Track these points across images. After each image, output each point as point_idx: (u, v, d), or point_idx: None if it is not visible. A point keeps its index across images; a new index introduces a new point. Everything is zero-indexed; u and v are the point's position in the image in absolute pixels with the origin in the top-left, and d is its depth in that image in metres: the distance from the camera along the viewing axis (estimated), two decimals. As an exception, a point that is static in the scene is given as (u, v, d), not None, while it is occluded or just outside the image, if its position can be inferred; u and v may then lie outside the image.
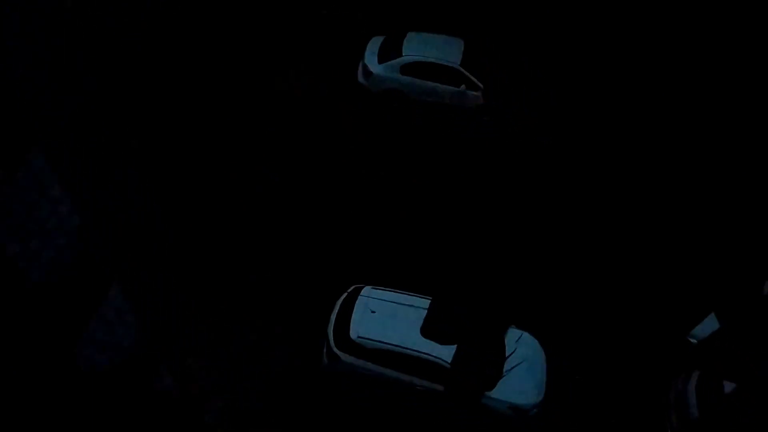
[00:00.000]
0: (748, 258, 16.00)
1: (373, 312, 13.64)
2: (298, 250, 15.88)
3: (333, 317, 13.94)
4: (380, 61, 17.95)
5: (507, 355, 13.80)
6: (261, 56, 19.32)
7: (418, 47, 17.83)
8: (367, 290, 14.10)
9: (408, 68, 17.71)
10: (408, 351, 13.21)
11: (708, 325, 14.25)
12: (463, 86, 17.71)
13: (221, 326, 14.66)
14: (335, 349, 13.55)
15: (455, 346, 13.35)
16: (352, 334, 13.43)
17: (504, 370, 13.57)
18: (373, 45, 18.49)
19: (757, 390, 12.82)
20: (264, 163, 17.17)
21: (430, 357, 13.18)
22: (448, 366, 13.16)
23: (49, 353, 13.51)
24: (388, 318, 13.56)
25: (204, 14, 19.93)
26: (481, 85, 17.73)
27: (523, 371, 13.60)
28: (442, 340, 13.29)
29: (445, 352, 13.24)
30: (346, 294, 14.27)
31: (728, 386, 13.02)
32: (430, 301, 13.90)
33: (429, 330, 13.40)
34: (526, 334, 14.15)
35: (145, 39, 19.13)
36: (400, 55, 17.71)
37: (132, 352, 13.81)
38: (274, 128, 17.85)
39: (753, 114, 18.48)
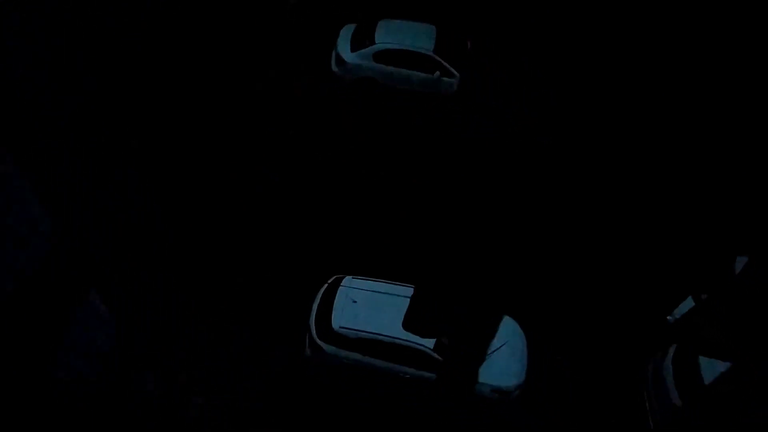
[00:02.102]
0: (720, 239, 16.09)
1: (354, 302, 13.62)
2: (298, 249, 15.88)
3: (314, 308, 13.91)
4: (353, 49, 17.79)
5: None
6: (260, 56, 19.31)
7: (390, 35, 17.66)
8: (347, 280, 14.06)
9: (381, 56, 17.56)
10: (391, 339, 13.20)
11: (685, 304, 14.33)
12: (437, 73, 17.59)
13: (221, 326, 14.66)
14: (318, 340, 13.54)
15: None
16: (334, 325, 13.42)
17: (485, 353, 13.59)
18: (346, 33, 18.31)
19: (738, 366, 12.89)
20: (264, 163, 17.17)
21: (413, 345, 13.16)
22: (432, 353, 13.13)
23: (28, 363, 13.18)
24: (369, 307, 13.55)
25: (204, 14, 19.92)
26: (455, 71, 17.65)
27: (504, 354, 13.60)
28: (424, 334, 13.27)
29: (428, 340, 13.26)
30: (326, 284, 14.22)
31: (704, 362, 13.05)
32: (411, 289, 13.86)
33: (411, 323, 13.37)
34: (505, 317, 14.16)
35: (145, 39, 19.12)
36: (373, 43, 17.55)
37: (114, 356, 13.52)
38: (274, 128, 17.85)
39: (752, 114, 18.49)
